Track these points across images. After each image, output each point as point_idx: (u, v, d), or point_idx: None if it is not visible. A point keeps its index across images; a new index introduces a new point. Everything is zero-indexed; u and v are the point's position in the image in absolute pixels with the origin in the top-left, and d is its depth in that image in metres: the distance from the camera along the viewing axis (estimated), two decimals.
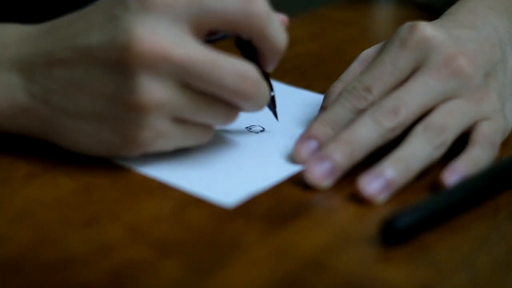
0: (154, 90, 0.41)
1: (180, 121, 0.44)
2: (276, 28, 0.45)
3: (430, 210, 0.41)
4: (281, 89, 0.59)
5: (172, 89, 0.42)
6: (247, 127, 0.52)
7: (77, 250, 0.38)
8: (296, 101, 0.57)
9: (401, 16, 0.83)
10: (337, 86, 0.50)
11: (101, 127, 0.43)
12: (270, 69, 0.48)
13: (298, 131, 0.50)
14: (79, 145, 0.44)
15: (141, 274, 0.37)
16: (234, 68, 0.42)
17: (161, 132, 0.43)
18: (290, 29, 0.74)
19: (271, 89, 0.49)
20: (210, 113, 0.44)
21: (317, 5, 0.86)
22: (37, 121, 0.44)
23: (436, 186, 0.45)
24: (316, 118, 0.48)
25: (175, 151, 0.47)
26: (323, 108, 0.50)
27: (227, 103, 0.44)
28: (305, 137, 0.47)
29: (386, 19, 0.85)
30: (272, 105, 0.50)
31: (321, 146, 0.46)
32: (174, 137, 0.44)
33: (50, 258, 0.38)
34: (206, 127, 0.46)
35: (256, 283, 0.37)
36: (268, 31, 0.44)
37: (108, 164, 0.46)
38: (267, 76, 0.48)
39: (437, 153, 0.45)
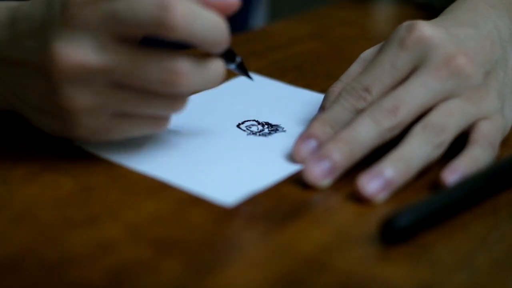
0: (77, 97, 0.43)
1: (123, 115, 0.44)
2: (203, 29, 0.42)
3: (430, 209, 0.41)
4: (281, 89, 0.60)
5: (99, 92, 0.43)
6: (246, 127, 0.52)
7: (77, 250, 0.38)
8: (296, 101, 0.57)
9: (401, 15, 0.83)
10: (337, 87, 0.50)
11: (49, 119, 0.45)
12: (217, 52, 0.45)
13: (297, 130, 0.49)
14: (43, 128, 0.47)
15: (141, 273, 0.37)
16: (159, 65, 0.42)
17: (99, 128, 0.44)
18: (290, 28, 0.74)
19: (233, 58, 0.47)
20: (151, 105, 0.44)
21: (317, 4, 0.86)
22: (8, 105, 0.48)
23: (436, 185, 0.45)
24: (315, 118, 0.48)
25: (174, 150, 0.47)
26: (322, 108, 0.50)
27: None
28: (304, 136, 0.47)
29: (386, 18, 0.85)
30: (242, 70, 0.48)
31: (320, 145, 0.46)
32: (121, 130, 0.45)
33: (50, 257, 0.38)
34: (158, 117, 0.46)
35: (256, 282, 0.37)
36: (193, 37, 0.42)
37: (108, 164, 0.46)
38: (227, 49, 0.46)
39: (437, 152, 0.45)
